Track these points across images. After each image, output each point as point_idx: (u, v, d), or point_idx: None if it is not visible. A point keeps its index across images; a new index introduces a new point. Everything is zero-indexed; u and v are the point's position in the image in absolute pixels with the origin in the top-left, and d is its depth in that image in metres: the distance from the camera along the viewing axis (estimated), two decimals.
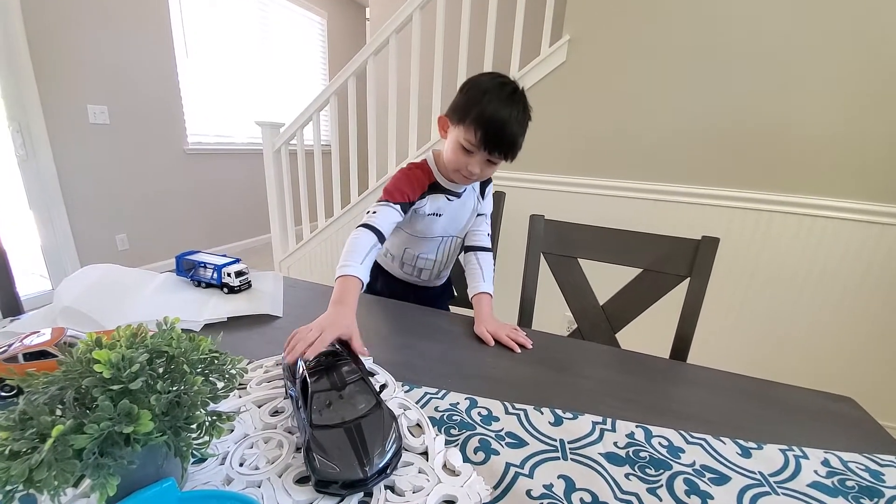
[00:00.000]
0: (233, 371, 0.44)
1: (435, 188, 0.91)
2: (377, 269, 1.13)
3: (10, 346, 0.56)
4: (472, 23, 1.78)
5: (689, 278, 0.88)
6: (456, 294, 1.23)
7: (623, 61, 1.57)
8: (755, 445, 0.55)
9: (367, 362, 0.68)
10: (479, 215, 1.00)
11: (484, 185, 1.01)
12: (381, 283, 1.12)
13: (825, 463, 0.53)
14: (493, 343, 0.79)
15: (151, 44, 2.78)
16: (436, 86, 1.87)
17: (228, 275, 0.94)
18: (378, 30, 1.92)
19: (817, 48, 1.34)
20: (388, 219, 0.84)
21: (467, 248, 1.00)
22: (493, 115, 0.76)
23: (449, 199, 0.93)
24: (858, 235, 1.40)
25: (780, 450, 0.54)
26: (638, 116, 1.59)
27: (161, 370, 0.39)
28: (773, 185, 1.47)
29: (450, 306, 1.21)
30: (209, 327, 0.80)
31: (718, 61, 1.45)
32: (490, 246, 0.99)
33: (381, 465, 0.45)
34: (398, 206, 0.85)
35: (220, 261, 0.96)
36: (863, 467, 0.52)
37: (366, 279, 0.77)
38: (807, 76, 1.37)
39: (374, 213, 0.84)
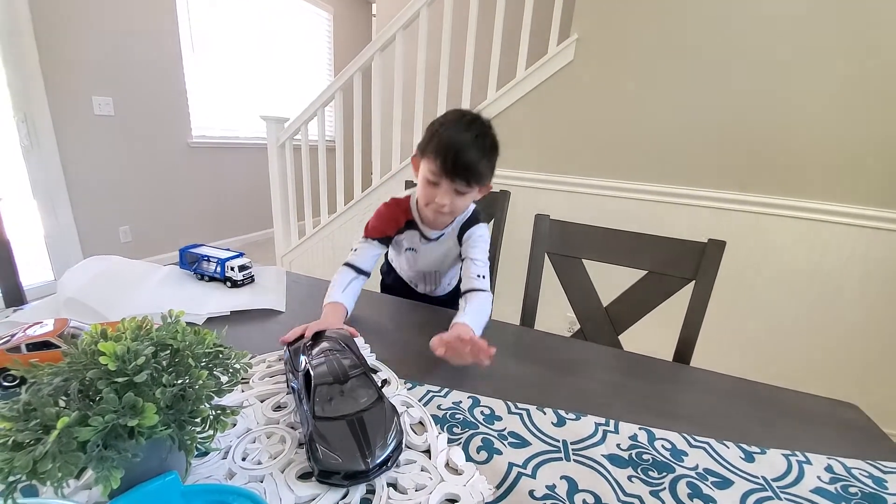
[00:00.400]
0: (237, 365, 0.44)
1: (411, 225, 0.94)
2: (389, 266, 1.16)
3: (13, 335, 0.56)
4: (479, 20, 1.77)
5: (693, 281, 0.88)
6: None
7: (631, 61, 1.56)
8: (758, 450, 0.55)
9: (370, 359, 0.68)
10: (464, 259, 0.91)
11: (462, 230, 0.93)
12: (393, 278, 1.14)
13: (828, 469, 0.52)
14: (440, 351, 0.66)
15: (157, 36, 2.78)
16: (441, 83, 1.87)
17: (232, 269, 0.94)
18: (385, 26, 1.92)
19: (822, 54, 1.34)
20: (368, 254, 0.91)
21: (461, 294, 0.88)
22: (449, 141, 0.78)
23: (422, 240, 0.95)
24: (863, 240, 1.40)
25: (783, 455, 0.54)
26: (645, 117, 1.59)
27: (166, 363, 0.39)
28: (779, 189, 1.47)
29: None
30: (212, 321, 0.80)
31: (726, 62, 1.44)
32: (482, 287, 0.85)
33: (382, 457, 0.45)
34: (376, 242, 0.92)
35: (224, 255, 0.96)
36: (866, 474, 0.52)
37: (349, 305, 0.83)
38: (811, 80, 1.36)
39: (355, 250, 0.91)
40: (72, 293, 0.77)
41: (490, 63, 1.78)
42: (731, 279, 1.56)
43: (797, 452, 0.55)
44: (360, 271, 0.88)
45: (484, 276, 0.86)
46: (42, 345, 0.55)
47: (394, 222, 0.92)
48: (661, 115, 1.56)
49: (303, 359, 0.57)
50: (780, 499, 0.47)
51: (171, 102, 2.94)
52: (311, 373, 0.53)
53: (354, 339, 0.68)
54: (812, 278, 1.48)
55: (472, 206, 0.94)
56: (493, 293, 0.87)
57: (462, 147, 0.77)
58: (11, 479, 0.30)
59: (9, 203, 2.29)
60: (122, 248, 2.78)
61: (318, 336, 0.64)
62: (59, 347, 0.55)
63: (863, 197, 1.38)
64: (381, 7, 3.06)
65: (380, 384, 0.60)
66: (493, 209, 1.28)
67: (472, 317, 0.77)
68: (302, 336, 0.67)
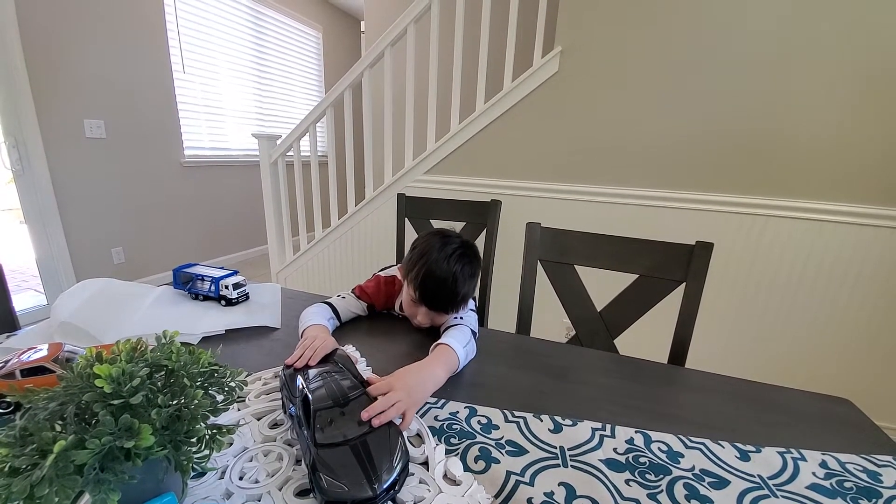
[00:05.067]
0: (232, 384, 0.45)
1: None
2: None
3: (7, 362, 0.56)
4: (465, 35, 1.80)
5: (684, 283, 0.89)
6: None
7: (615, 70, 1.60)
8: (753, 448, 0.55)
9: (366, 373, 0.68)
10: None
11: None
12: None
13: (823, 465, 0.53)
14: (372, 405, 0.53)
15: (148, 58, 2.80)
16: (431, 96, 1.90)
17: (226, 287, 0.94)
18: (373, 43, 1.95)
19: (810, 52, 1.36)
20: (350, 308, 0.92)
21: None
22: (429, 275, 0.78)
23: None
24: (852, 238, 1.42)
25: (778, 452, 0.55)
26: (631, 124, 1.62)
27: (161, 384, 0.39)
28: (766, 189, 1.49)
29: None
30: (207, 340, 0.80)
31: (710, 68, 1.48)
32: (460, 323, 0.81)
33: (389, 482, 0.44)
34: (364, 305, 0.94)
35: (218, 273, 0.96)
36: (860, 468, 0.53)
37: (330, 329, 0.82)
38: (798, 81, 1.39)
39: (343, 297, 0.92)
40: (66, 317, 0.77)
41: (477, 76, 1.81)
42: (724, 280, 1.58)
43: (792, 449, 0.55)
44: (336, 315, 0.89)
45: (463, 318, 0.82)
46: (37, 370, 0.55)
47: (384, 299, 0.95)
48: (647, 120, 1.59)
49: (300, 382, 0.56)
50: (776, 496, 0.48)
51: (163, 123, 2.96)
52: (310, 397, 0.51)
53: (349, 353, 0.68)
54: (803, 276, 1.50)
55: None
56: (476, 333, 0.82)
57: (441, 282, 0.78)
58: None
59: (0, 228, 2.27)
60: (115, 269, 2.76)
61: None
62: (55, 372, 0.55)
63: (854, 195, 1.40)
64: (369, 24, 3.11)
65: None
66: (484, 219, 1.30)
67: (453, 338, 0.73)
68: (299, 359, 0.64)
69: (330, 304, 0.89)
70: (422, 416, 0.59)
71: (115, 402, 0.35)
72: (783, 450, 0.55)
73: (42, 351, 0.57)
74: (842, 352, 1.51)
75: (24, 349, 0.58)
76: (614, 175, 1.67)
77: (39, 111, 2.28)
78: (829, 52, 1.35)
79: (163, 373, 0.41)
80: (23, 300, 2.52)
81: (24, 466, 0.30)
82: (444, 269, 0.78)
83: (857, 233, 1.41)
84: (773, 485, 0.49)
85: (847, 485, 0.50)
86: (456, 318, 0.83)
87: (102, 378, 0.35)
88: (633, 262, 0.94)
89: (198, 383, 0.42)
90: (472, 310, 0.87)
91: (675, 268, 0.89)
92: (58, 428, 0.34)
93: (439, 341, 0.72)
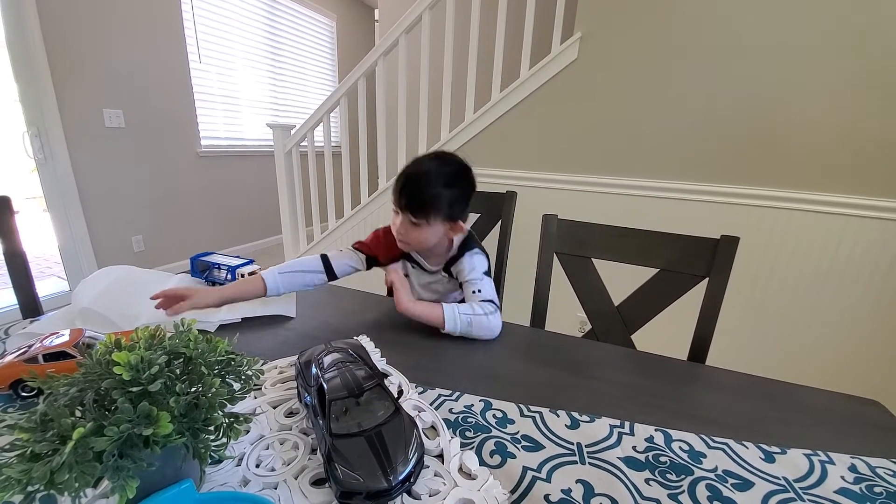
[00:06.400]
0: (249, 372, 0.45)
1: (406, 255, 0.95)
2: None
3: (30, 346, 0.57)
4: (481, 21, 1.77)
5: (707, 278, 0.87)
6: None
7: (637, 58, 1.55)
8: (779, 450, 0.53)
9: (381, 364, 0.68)
10: (463, 283, 0.89)
11: (448, 264, 0.93)
12: None
13: (852, 469, 0.51)
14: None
15: (165, 49, 2.83)
16: (445, 85, 1.87)
17: (242, 276, 0.94)
18: (387, 31, 1.93)
19: (836, 42, 1.31)
20: (347, 261, 0.92)
21: None
22: (406, 171, 0.82)
23: (413, 266, 0.96)
24: (881, 233, 1.37)
25: (804, 455, 0.53)
26: (652, 114, 1.57)
27: (179, 372, 0.39)
28: (792, 182, 1.44)
29: None
30: (224, 328, 0.81)
31: (734, 57, 1.43)
32: (479, 298, 0.84)
33: (405, 474, 0.43)
34: (363, 256, 0.94)
35: (234, 262, 0.97)
36: (891, 473, 0.50)
37: (272, 286, 0.85)
38: (824, 72, 1.34)
39: (340, 251, 0.93)
40: (86, 303, 0.78)
41: (493, 64, 1.78)
42: (745, 275, 1.53)
43: (819, 452, 0.53)
44: (327, 268, 0.90)
45: (481, 290, 0.84)
46: (59, 355, 0.56)
47: (385, 249, 0.93)
48: (668, 110, 1.54)
49: (315, 372, 0.56)
50: (802, 500, 0.46)
51: (180, 113, 2.99)
52: (325, 387, 0.51)
53: (363, 344, 0.67)
54: (830, 272, 1.45)
55: (458, 240, 0.90)
56: (499, 309, 0.83)
57: (412, 175, 0.79)
58: (30, 489, 0.30)
59: (24, 215, 2.33)
60: (135, 257, 2.82)
61: (329, 348, 0.62)
62: (75, 357, 0.55)
63: (881, 189, 1.35)
64: (383, 12, 3.08)
65: (395, 395, 0.59)
66: (499, 210, 1.28)
67: (455, 306, 0.78)
68: (309, 350, 0.63)
69: (323, 257, 0.91)
70: (436, 409, 0.58)
71: (134, 389, 0.35)
72: (810, 452, 0.53)
73: (64, 336, 0.58)
74: (871, 351, 1.46)
75: (46, 334, 0.59)
76: (634, 166, 1.63)
77: (60, 101, 2.32)
78: (861, 41, 1.28)
79: (181, 361, 0.41)
80: (46, 286, 2.59)
81: (44, 452, 0.31)
82: (421, 165, 0.81)
83: (887, 227, 1.36)
84: (800, 488, 0.48)
85: (877, 490, 0.48)
86: (473, 281, 0.84)
87: (121, 365, 0.35)
88: (654, 255, 0.92)
89: (215, 371, 0.41)
90: (485, 273, 0.87)
91: (698, 262, 0.87)
92: (77, 414, 0.34)
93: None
